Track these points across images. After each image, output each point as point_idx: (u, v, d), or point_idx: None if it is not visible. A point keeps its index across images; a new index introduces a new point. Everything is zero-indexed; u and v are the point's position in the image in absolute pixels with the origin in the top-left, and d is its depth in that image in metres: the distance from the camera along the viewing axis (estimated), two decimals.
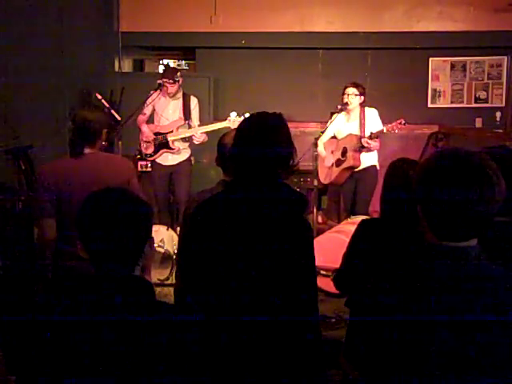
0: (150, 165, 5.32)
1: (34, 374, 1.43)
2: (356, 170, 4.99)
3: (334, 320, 3.37)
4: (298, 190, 2.10)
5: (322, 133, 4.96)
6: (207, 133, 5.02)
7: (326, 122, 5.07)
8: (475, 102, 7.00)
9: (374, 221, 2.59)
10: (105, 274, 1.48)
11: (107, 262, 1.48)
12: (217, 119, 6.11)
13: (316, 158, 4.70)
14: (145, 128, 5.17)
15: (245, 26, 6.87)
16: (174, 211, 5.47)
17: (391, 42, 6.83)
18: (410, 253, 1.78)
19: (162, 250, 4.30)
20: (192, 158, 5.32)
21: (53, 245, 2.76)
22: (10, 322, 1.50)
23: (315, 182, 4.72)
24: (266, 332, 1.85)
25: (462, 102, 7.02)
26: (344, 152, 5.00)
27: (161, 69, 8.44)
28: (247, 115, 2.03)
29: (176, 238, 4.23)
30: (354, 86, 4.93)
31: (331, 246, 3.80)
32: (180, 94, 5.15)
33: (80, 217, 1.50)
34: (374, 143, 4.82)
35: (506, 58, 6.90)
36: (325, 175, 5.17)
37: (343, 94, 4.95)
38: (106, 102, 5.24)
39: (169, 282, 4.15)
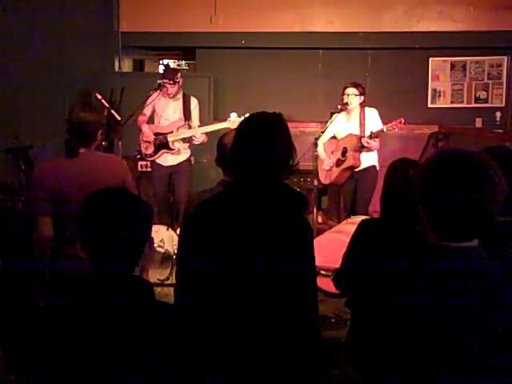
0: (149, 165, 5.32)
1: (34, 373, 1.43)
2: (356, 170, 4.99)
3: (333, 320, 3.36)
4: (298, 189, 2.10)
5: (322, 133, 4.96)
6: (207, 133, 5.03)
7: (326, 122, 5.07)
8: (475, 102, 7.00)
9: (374, 221, 2.59)
10: (105, 274, 1.48)
11: (107, 262, 1.48)
12: (217, 119, 6.11)
13: (316, 158, 4.70)
14: (145, 128, 5.17)
15: (245, 26, 6.87)
16: (173, 211, 5.47)
17: (391, 42, 6.83)
18: (410, 253, 1.77)
19: (162, 250, 4.29)
20: (192, 159, 5.32)
21: (50, 243, 2.78)
22: (10, 321, 1.50)
23: (315, 182, 4.71)
24: (266, 332, 1.85)
25: (462, 101, 7.02)
26: (344, 152, 5.00)
27: (161, 69, 8.44)
28: (247, 116, 2.03)
29: (176, 238, 4.23)
30: (353, 86, 4.93)
31: (331, 245, 3.80)
32: (180, 95, 5.15)
33: (80, 217, 1.50)
34: (374, 143, 4.82)
35: (506, 58, 6.90)
36: (325, 175, 5.17)
37: (343, 94, 4.95)
38: (106, 101, 5.24)
39: (169, 281, 4.14)
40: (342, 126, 5.07)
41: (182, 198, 5.07)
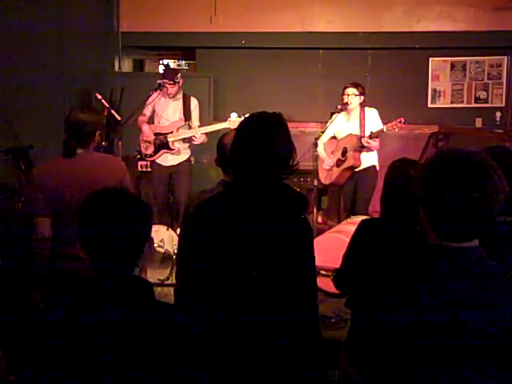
0: (149, 165, 5.32)
1: (33, 373, 1.43)
2: (356, 170, 4.99)
3: (333, 320, 3.36)
4: (297, 189, 2.10)
5: (322, 133, 4.96)
6: (207, 133, 5.03)
7: (326, 122, 5.06)
8: (475, 102, 7.00)
9: (374, 221, 2.59)
10: (104, 274, 1.48)
11: (107, 262, 1.48)
12: (217, 119, 6.11)
13: (316, 158, 4.69)
14: (145, 128, 5.17)
15: (245, 26, 6.87)
16: (173, 211, 5.47)
17: (391, 42, 6.83)
18: (410, 253, 1.77)
19: (162, 250, 4.29)
20: (192, 159, 5.32)
21: (49, 243, 2.79)
22: (11, 321, 1.50)
23: (315, 182, 4.71)
24: (266, 332, 1.85)
25: (462, 102, 7.02)
26: (344, 152, 5.00)
27: (161, 69, 8.44)
28: (247, 116, 2.03)
29: (176, 238, 4.23)
30: (353, 86, 4.93)
31: (331, 245, 3.79)
32: (180, 95, 5.15)
33: (80, 217, 1.50)
34: (374, 143, 4.82)
35: (506, 58, 6.89)
36: (325, 175, 5.16)
37: (343, 94, 4.95)
38: (106, 101, 5.23)
39: (169, 282, 4.14)
40: (342, 126, 5.07)
41: (181, 198, 5.06)
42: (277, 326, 1.85)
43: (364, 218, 2.82)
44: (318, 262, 2.02)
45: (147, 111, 5.19)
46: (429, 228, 1.40)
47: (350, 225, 4.05)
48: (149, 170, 5.36)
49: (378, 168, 5.03)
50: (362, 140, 4.83)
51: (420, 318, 1.33)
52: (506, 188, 1.34)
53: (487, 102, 6.98)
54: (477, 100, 7.00)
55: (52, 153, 4.28)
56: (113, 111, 5.04)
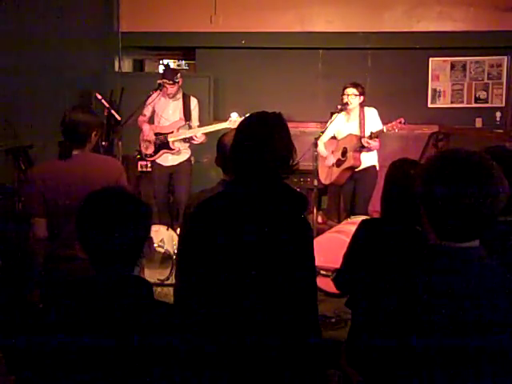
0: (149, 165, 5.32)
1: (33, 374, 1.43)
2: (356, 170, 4.99)
3: (333, 320, 3.36)
4: (298, 189, 2.10)
5: (322, 133, 4.95)
6: (207, 133, 5.03)
7: (326, 122, 5.06)
8: (475, 102, 7.00)
9: (374, 221, 2.59)
10: (104, 274, 1.47)
11: (106, 262, 1.48)
12: (217, 119, 6.11)
13: (316, 158, 4.69)
14: (146, 127, 5.17)
15: (245, 26, 6.87)
16: (173, 211, 5.46)
17: (391, 42, 6.83)
18: (410, 253, 1.77)
19: (162, 250, 4.30)
20: (192, 158, 5.32)
21: (45, 244, 2.79)
22: (10, 322, 1.50)
23: (315, 182, 4.71)
24: (266, 332, 1.85)
25: (462, 102, 7.02)
26: (344, 152, 5.00)
27: (161, 69, 8.44)
28: (247, 115, 2.04)
29: (176, 238, 4.23)
30: (353, 86, 4.93)
31: (331, 245, 3.80)
32: (180, 95, 5.15)
33: (79, 217, 1.50)
34: (374, 143, 4.82)
35: (506, 57, 6.89)
36: (325, 175, 5.16)
37: (343, 94, 4.95)
38: (106, 102, 5.23)
39: (169, 282, 4.15)
40: (342, 126, 5.07)
41: (182, 198, 5.06)
42: (277, 326, 1.85)
43: (364, 218, 2.82)
44: (318, 262, 2.02)
45: (147, 111, 5.19)
46: (429, 228, 1.40)
47: (350, 225, 4.06)
48: (149, 169, 5.36)
49: (377, 168, 5.03)
50: (362, 140, 4.83)
51: (420, 318, 1.33)
52: (507, 188, 1.34)
53: (487, 102, 6.98)
54: (477, 100, 7.00)
55: (52, 153, 4.28)
56: (113, 111, 5.04)
